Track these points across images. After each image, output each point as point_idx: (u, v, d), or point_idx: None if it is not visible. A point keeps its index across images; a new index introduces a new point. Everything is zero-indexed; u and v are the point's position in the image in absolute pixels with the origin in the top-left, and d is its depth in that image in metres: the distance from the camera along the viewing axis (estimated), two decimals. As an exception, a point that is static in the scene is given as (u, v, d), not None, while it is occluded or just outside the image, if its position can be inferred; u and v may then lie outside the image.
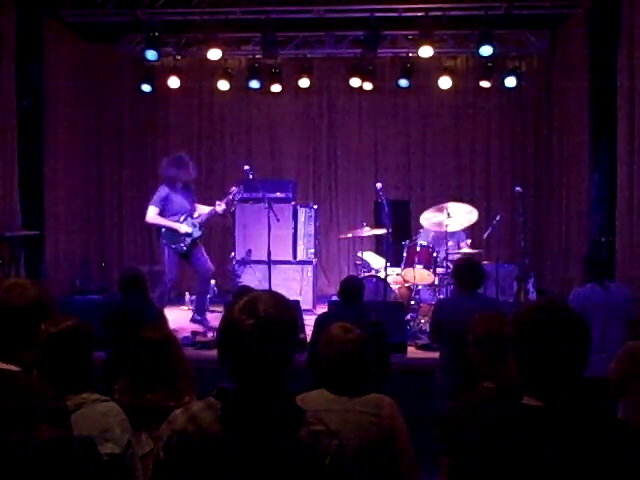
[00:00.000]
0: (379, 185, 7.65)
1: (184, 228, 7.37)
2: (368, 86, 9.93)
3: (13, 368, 2.03)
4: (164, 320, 4.86)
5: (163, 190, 7.49)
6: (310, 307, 8.67)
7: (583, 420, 1.79)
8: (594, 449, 1.75)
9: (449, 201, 8.18)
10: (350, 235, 9.02)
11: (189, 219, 7.43)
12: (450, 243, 7.99)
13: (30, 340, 2.09)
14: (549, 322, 1.83)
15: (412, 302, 7.82)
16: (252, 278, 8.58)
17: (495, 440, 1.81)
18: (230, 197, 7.67)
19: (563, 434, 1.76)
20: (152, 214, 7.45)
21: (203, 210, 7.60)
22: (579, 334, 1.84)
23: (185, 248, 7.41)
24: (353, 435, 2.71)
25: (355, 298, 5.02)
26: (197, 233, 7.45)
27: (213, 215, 7.61)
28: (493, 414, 1.93)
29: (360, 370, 2.92)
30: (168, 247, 7.45)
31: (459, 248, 8.12)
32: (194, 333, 6.94)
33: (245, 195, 8.51)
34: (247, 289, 1.96)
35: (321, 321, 5.07)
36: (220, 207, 7.48)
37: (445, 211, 7.83)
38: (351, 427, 2.72)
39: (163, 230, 7.45)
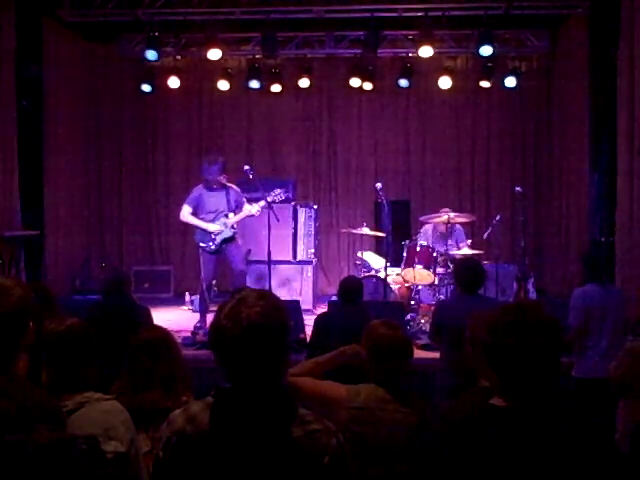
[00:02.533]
0: (379, 185, 7.64)
1: (212, 227, 7.33)
2: (368, 86, 9.92)
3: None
4: (149, 318, 4.85)
5: (197, 189, 7.55)
6: (310, 307, 8.67)
7: (546, 422, 1.78)
8: (554, 450, 1.74)
9: (447, 204, 8.24)
10: (352, 230, 8.99)
11: (222, 219, 7.36)
12: (449, 242, 7.99)
13: (17, 342, 2.08)
14: (516, 325, 1.82)
15: (412, 302, 7.82)
16: (252, 278, 8.57)
17: (460, 440, 1.81)
18: (272, 198, 7.47)
19: (525, 435, 1.75)
20: (184, 212, 7.51)
21: (247, 210, 7.41)
22: (548, 337, 1.82)
23: (214, 247, 7.35)
24: (403, 434, 2.74)
25: (354, 298, 5.02)
26: (227, 233, 7.36)
27: (249, 216, 7.40)
28: (459, 415, 1.92)
29: (406, 366, 2.95)
30: (200, 248, 7.43)
31: (458, 247, 8.13)
32: (194, 333, 6.94)
33: (245, 195, 8.49)
34: (239, 290, 1.94)
35: (320, 321, 5.07)
36: (254, 209, 7.31)
37: (445, 215, 7.86)
38: (401, 427, 2.77)
39: (196, 229, 7.49)
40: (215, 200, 7.45)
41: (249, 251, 8.88)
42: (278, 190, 7.52)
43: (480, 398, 2.65)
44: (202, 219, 7.40)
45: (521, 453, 1.73)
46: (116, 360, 3.14)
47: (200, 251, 7.48)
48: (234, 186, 7.53)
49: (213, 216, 7.40)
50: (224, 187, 7.45)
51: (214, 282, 7.96)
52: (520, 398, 1.80)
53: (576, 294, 4.92)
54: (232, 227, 7.41)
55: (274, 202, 7.53)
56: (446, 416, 2.72)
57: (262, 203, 7.35)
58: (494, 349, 1.84)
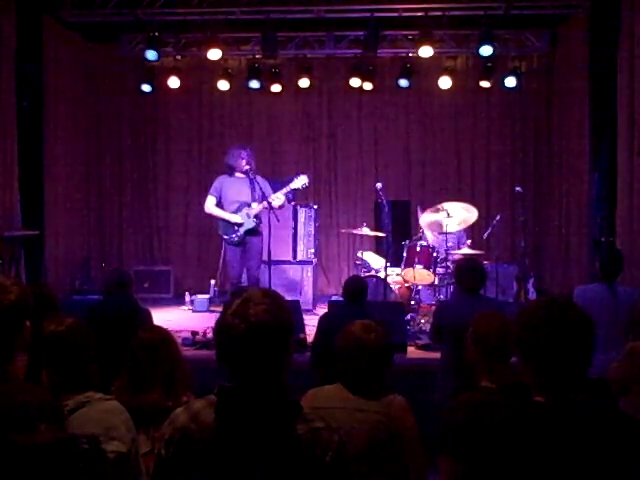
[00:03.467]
0: (379, 185, 7.64)
1: (234, 218, 7.34)
2: (368, 86, 9.92)
3: (1, 370, 2.02)
4: (150, 319, 4.83)
5: (219, 179, 7.59)
6: (310, 307, 8.67)
7: (588, 415, 1.81)
8: (598, 443, 1.76)
9: (448, 201, 8.18)
10: (351, 230, 9.02)
11: (244, 209, 7.37)
12: (450, 244, 7.98)
13: (14, 341, 2.08)
14: (552, 320, 1.84)
15: (412, 302, 7.82)
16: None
17: (506, 437, 1.83)
18: (297, 185, 7.41)
19: (568, 430, 1.77)
20: (209, 204, 7.54)
21: (278, 199, 7.32)
22: (583, 331, 1.85)
23: (236, 239, 7.37)
24: (362, 434, 2.72)
25: (358, 298, 5.01)
26: (250, 224, 7.38)
27: (271, 208, 7.15)
28: (503, 412, 1.94)
29: (377, 371, 2.94)
30: (224, 240, 7.49)
31: (459, 248, 8.12)
32: (194, 333, 6.94)
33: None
34: (242, 290, 1.95)
35: (324, 322, 5.05)
36: (276, 200, 7.19)
37: (443, 212, 7.83)
38: (360, 426, 2.74)
39: (219, 222, 7.50)
40: (238, 189, 7.43)
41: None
42: (304, 176, 7.48)
43: (490, 400, 2.65)
44: (226, 210, 7.42)
45: (567, 448, 1.76)
46: (116, 360, 3.14)
47: (224, 245, 7.53)
48: (260, 178, 7.51)
49: (237, 206, 7.40)
50: (248, 176, 7.39)
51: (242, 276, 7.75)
52: (558, 393, 1.83)
53: (578, 291, 4.90)
54: (255, 217, 7.40)
55: (298, 189, 7.54)
56: (453, 416, 2.71)
57: (281, 198, 7.33)
58: (531, 346, 1.85)
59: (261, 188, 7.33)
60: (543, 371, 1.85)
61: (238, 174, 7.50)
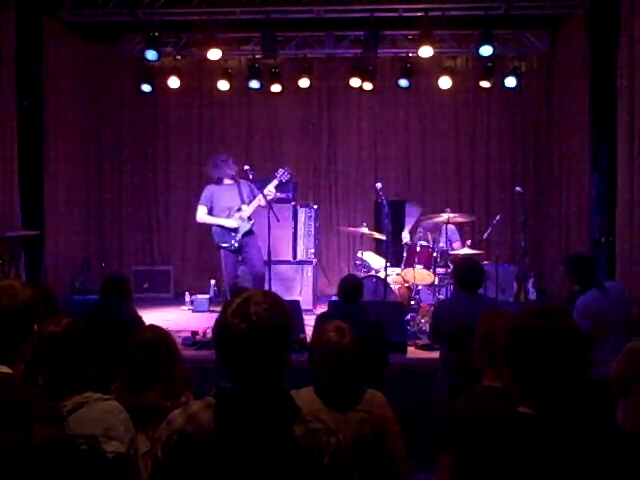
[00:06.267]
0: (379, 185, 7.65)
1: (230, 223, 7.46)
2: (368, 86, 9.92)
3: (5, 370, 2.03)
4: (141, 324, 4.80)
5: (208, 189, 7.71)
6: (310, 307, 8.66)
7: (573, 428, 1.75)
8: (582, 457, 1.71)
9: (448, 204, 8.23)
10: (350, 229, 9.05)
11: (236, 213, 7.50)
12: (441, 244, 7.97)
13: (22, 342, 2.09)
14: (540, 330, 1.77)
15: (412, 302, 7.82)
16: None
17: (489, 448, 1.79)
18: (279, 178, 7.63)
19: (552, 443, 1.72)
20: (201, 213, 7.65)
21: (257, 200, 7.51)
22: (572, 342, 1.78)
23: (237, 244, 7.47)
24: (348, 434, 2.70)
25: (353, 297, 4.97)
26: (246, 227, 7.50)
27: (267, 202, 7.30)
28: (488, 422, 1.90)
29: (352, 377, 2.86)
30: (221, 248, 7.56)
31: (451, 246, 8.13)
32: (194, 333, 6.94)
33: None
34: (242, 290, 1.94)
35: (321, 321, 5.04)
36: (263, 201, 7.35)
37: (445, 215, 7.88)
38: (346, 426, 2.71)
39: (213, 229, 7.58)
40: (228, 196, 7.58)
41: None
42: (282, 170, 7.69)
43: (490, 399, 2.64)
44: (218, 217, 7.55)
45: (549, 461, 1.70)
46: (115, 361, 3.14)
47: (221, 252, 7.59)
48: (243, 181, 7.69)
49: (227, 213, 7.53)
50: (235, 181, 7.63)
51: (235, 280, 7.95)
52: (544, 405, 1.76)
53: (582, 304, 4.68)
54: (249, 219, 7.52)
55: (281, 182, 7.70)
56: (452, 415, 2.70)
57: (271, 187, 7.51)
58: (517, 354, 1.79)
59: (249, 188, 7.59)
60: (527, 382, 1.78)
61: (226, 181, 7.67)
